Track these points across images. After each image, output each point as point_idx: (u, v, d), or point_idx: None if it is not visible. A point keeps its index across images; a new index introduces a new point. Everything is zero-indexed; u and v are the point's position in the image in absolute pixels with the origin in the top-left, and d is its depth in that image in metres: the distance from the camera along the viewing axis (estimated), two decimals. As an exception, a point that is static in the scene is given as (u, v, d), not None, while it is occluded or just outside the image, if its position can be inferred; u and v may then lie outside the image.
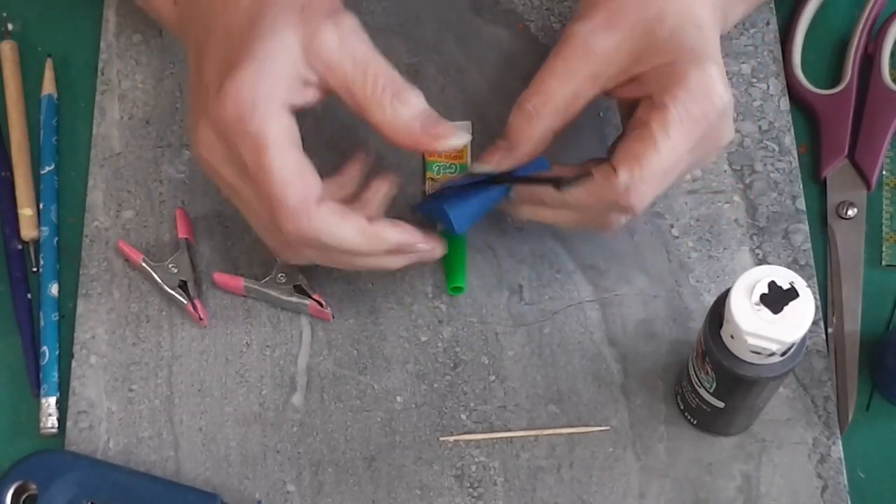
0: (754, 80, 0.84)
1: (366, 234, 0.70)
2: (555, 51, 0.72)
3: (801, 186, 0.81)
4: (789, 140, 0.83)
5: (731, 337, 0.65)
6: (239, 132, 0.67)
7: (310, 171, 0.69)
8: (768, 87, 0.84)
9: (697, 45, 0.70)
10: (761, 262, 0.79)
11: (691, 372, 0.71)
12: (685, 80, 0.68)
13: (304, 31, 0.68)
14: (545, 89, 0.71)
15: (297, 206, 0.68)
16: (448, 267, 0.78)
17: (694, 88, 0.68)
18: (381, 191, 0.73)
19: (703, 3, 0.71)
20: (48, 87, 0.84)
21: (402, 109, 0.69)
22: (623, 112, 0.75)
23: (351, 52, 0.68)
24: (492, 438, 0.75)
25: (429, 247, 0.73)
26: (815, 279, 0.79)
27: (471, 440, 0.75)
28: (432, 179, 0.79)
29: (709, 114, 0.69)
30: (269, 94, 0.67)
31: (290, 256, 0.72)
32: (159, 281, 0.78)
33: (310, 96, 0.69)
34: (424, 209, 0.76)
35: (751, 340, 0.64)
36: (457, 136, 0.70)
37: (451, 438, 0.76)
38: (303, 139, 0.68)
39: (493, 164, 0.73)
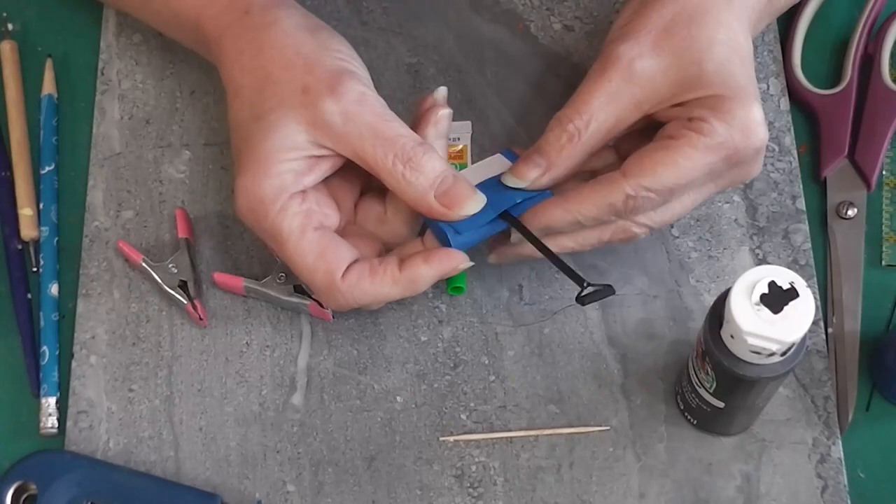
0: (754, 80, 0.84)
1: (400, 283, 0.71)
2: (599, 69, 0.70)
3: (801, 186, 0.81)
4: (789, 140, 0.82)
5: (731, 337, 0.65)
6: (257, 227, 0.71)
7: (331, 247, 0.70)
8: (768, 87, 0.84)
9: (744, 81, 0.69)
10: (761, 262, 0.79)
11: (691, 372, 0.71)
12: (729, 115, 0.68)
13: (307, 115, 0.69)
14: (588, 110, 0.70)
15: (324, 286, 0.70)
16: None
17: (737, 125, 0.68)
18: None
19: (745, 33, 0.71)
20: (48, 87, 0.84)
21: (415, 178, 0.69)
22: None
23: (355, 127, 0.69)
24: (492, 438, 0.75)
25: (467, 263, 0.72)
26: (815, 279, 0.79)
27: (471, 440, 0.75)
28: None
29: (741, 152, 0.69)
30: (276, 192, 0.69)
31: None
32: (159, 281, 0.78)
33: (326, 168, 0.71)
34: (431, 224, 0.73)
35: (751, 340, 0.64)
36: (470, 203, 0.70)
37: (451, 438, 0.76)
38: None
39: (529, 181, 0.71)
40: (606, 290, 0.69)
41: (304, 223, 0.70)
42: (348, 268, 0.70)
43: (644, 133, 0.72)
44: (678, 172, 0.68)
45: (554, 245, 0.72)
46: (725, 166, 0.69)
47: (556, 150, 0.70)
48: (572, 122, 0.70)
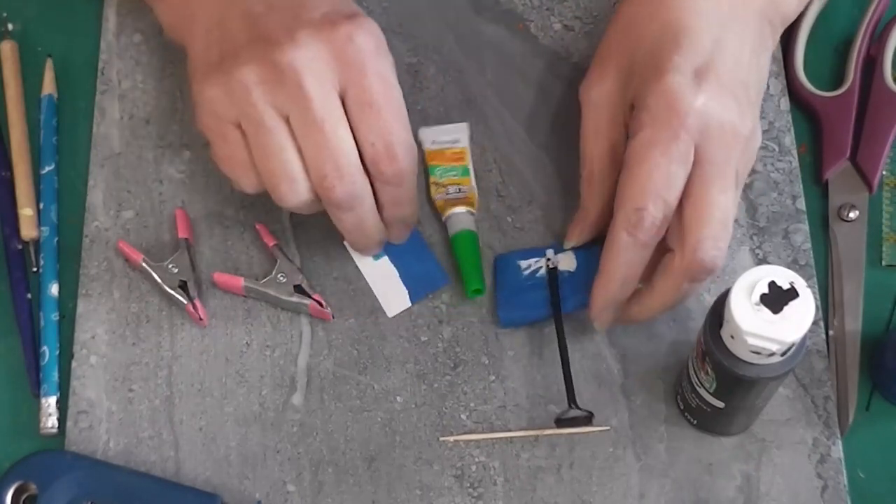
0: (755, 80, 0.84)
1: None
2: (582, 113, 0.76)
3: (801, 186, 0.81)
4: (789, 140, 0.82)
5: (731, 337, 0.65)
6: (362, 65, 0.70)
7: None
8: (768, 87, 0.83)
9: (668, 55, 0.70)
10: (761, 262, 0.79)
11: (691, 372, 0.71)
12: (645, 99, 0.69)
13: None
14: (587, 155, 0.75)
15: (409, 141, 0.71)
16: (465, 270, 0.77)
17: (654, 107, 0.69)
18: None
19: (694, 9, 0.71)
20: (48, 87, 0.84)
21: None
22: None
23: None
24: (492, 438, 0.75)
25: None
26: (815, 279, 0.79)
27: (471, 440, 0.75)
28: (435, 184, 0.79)
29: (678, 127, 0.68)
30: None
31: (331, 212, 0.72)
32: (159, 281, 0.78)
33: None
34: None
35: (751, 340, 0.64)
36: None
37: (451, 438, 0.75)
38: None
39: (577, 237, 0.76)
40: (585, 420, 0.74)
41: None
42: None
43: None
44: (644, 180, 0.69)
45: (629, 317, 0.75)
46: (682, 147, 0.69)
47: (585, 198, 0.75)
48: (582, 169, 0.75)
